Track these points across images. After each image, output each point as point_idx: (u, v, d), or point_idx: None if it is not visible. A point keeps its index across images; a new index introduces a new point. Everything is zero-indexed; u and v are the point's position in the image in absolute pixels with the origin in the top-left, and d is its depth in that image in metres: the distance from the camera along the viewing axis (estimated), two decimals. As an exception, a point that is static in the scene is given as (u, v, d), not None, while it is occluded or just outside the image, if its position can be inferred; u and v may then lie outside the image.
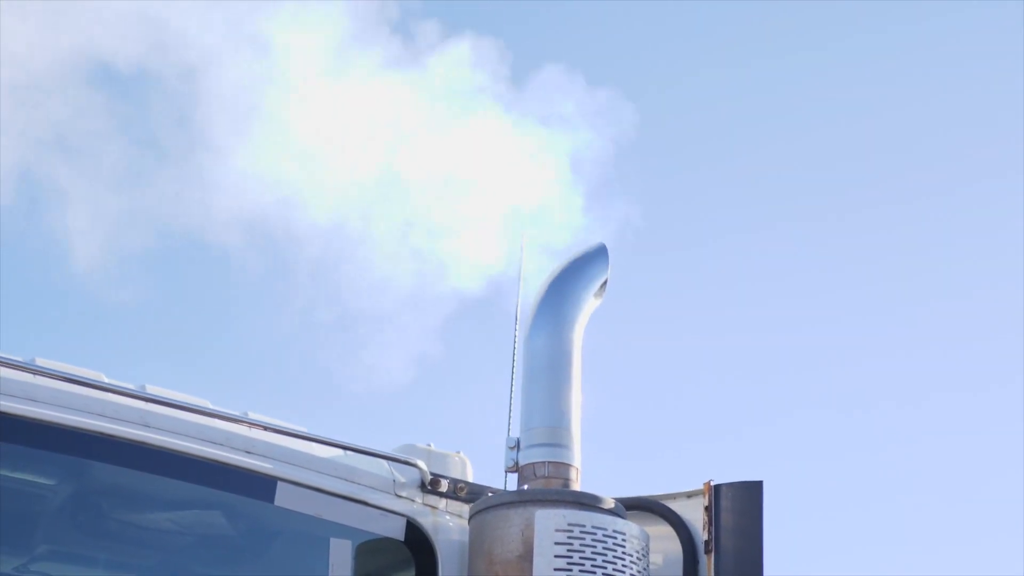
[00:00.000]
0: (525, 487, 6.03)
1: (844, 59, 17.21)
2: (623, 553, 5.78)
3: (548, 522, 5.74)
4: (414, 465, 6.03)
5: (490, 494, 6.06)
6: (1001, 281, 17.72)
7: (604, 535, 5.76)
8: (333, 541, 5.80)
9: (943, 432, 18.18)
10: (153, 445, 5.54)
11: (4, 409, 5.29)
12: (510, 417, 6.40)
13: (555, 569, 5.68)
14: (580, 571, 5.69)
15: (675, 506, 6.19)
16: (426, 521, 5.99)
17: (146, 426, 5.54)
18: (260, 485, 5.73)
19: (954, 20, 17.00)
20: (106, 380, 5.54)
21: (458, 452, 6.25)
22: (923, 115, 17.39)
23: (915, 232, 17.70)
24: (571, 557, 5.70)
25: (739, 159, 16.95)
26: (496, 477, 6.25)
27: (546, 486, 5.99)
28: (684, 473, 6.43)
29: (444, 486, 6.06)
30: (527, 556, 5.73)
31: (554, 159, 7.26)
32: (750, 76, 16.75)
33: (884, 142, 17.32)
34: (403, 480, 6.00)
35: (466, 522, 6.02)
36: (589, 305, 6.34)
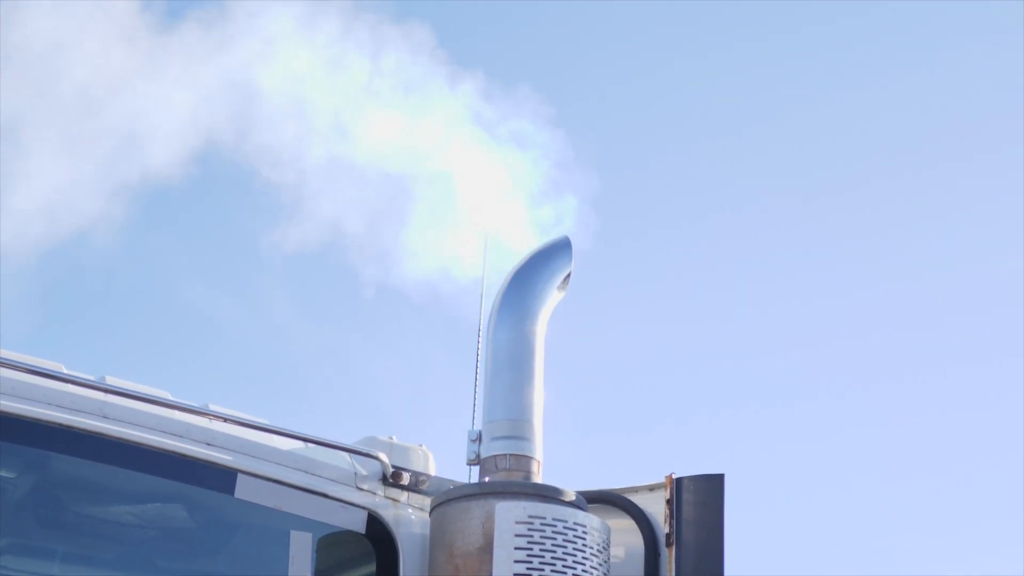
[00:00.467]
0: (486, 480, 6.02)
1: (812, 42, 17.27)
2: (584, 546, 5.77)
3: (508, 514, 5.73)
4: (376, 458, 6.02)
5: (451, 487, 6.05)
6: (967, 265, 17.79)
7: (565, 527, 5.76)
8: (294, 534, 5.79)
9: (910, 422, 18.23)
10: (112, 436, 5.52)
11: (-40, 400, 5.27)
12: (474, 410, 6.39)
13: (515, 561, 5.67)
14: (540, 563, 5.68)
15: (637, 499, 6.19)
16: (387, 514, 5.97)
17: (105, 417, 5.52)
18: (220, 477, 5.71)
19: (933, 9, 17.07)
20: (65, 371, 5.52)
21: (420, 445, 6.24)
22: (899, 98, 17.44)
23: (878, 216, 17.74)
24: (531, 549, 5.70)
25: (698, 147, 16.99)
26: (459, 470, 6.26)
27: (507, 479, 5.98)
28: (646, 466, 6.44)
29: (406, 479, 6.05)
30: (487, 548, 5.72)
31: (510, 152, 7.25)
32: (721, 68, 16.79)
33: (845, 124, 17.37)
34: (364, 473, 5.99)
35: (427, 515, 6.01)
36: (552, 298, 6.33)
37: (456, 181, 7.15)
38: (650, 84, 16.53)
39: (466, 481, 6.16)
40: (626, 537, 6.14)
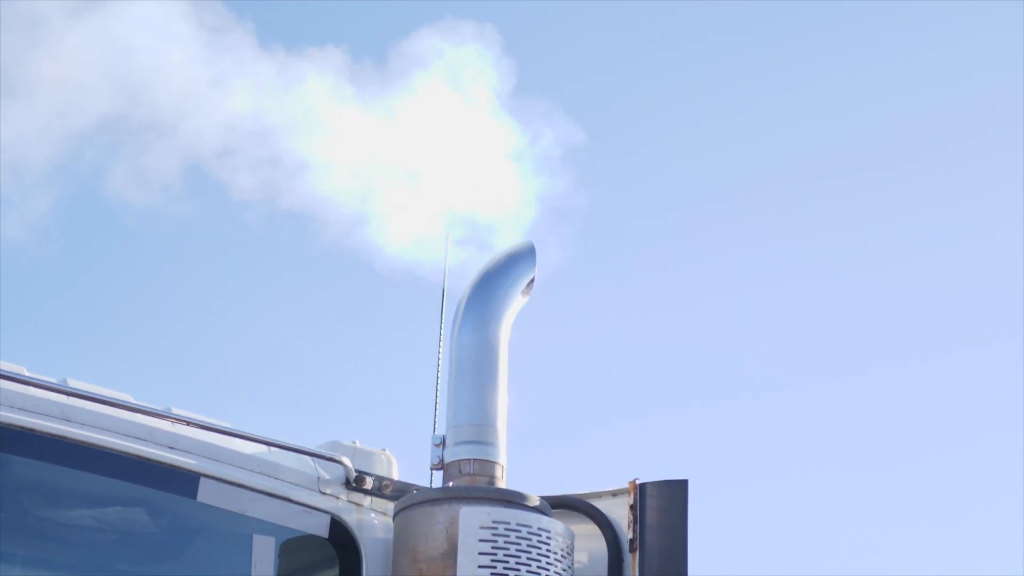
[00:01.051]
0: (450, 484, 6.01)
1: (786, 33, 17.31)
2: (548, 551, 5.77)
3: (472, 519, 5.73)
4: (339, 462, 6.01)
5: (415, 491, 6.04)
6: (938, 259, 17.84)
7: (529, 532, 5.76)
8: (256, 538, 5.77)
9: (879, 424, 18.26)
10: (74, 440, 5.49)
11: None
12: (435, 414, 6.39)
13: (479, 567, 5.67)
14: (504, 568, 5.68)
15: (600, 504, 6.20)
16: (350, 518, 5.96)
17: (67, 420, 5.49)
18: (183, 481, 5.68)
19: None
20: (27, 373, 5.49)
21: (384, 449, 6.23)
22: (883, 89, 17.48)
23: (850, 214, 17.78)
24: (495, 554, 5.70)
25: (665, 145, 17.01)
26: (422, 475, 6.25)
27: (471, 483, 5.98)
28: (610, 471, 6.44)
29: (369, 483, 6.03)
30: (451, 553, 5.72)
31: (492, 152, 7.23)
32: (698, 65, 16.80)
33: (823, 119, 17.40)
34: (328, 477, 5.97)
35: (391, 519, 6.00)
36: (516, 303, 6.34)
37: (427, 179, 7.13)
38: (622, 82, 16.55)
39: (429, 486, 6.16)
40: (589, 542, 6.15)
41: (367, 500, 6.03)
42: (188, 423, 5.75)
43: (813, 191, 17.58)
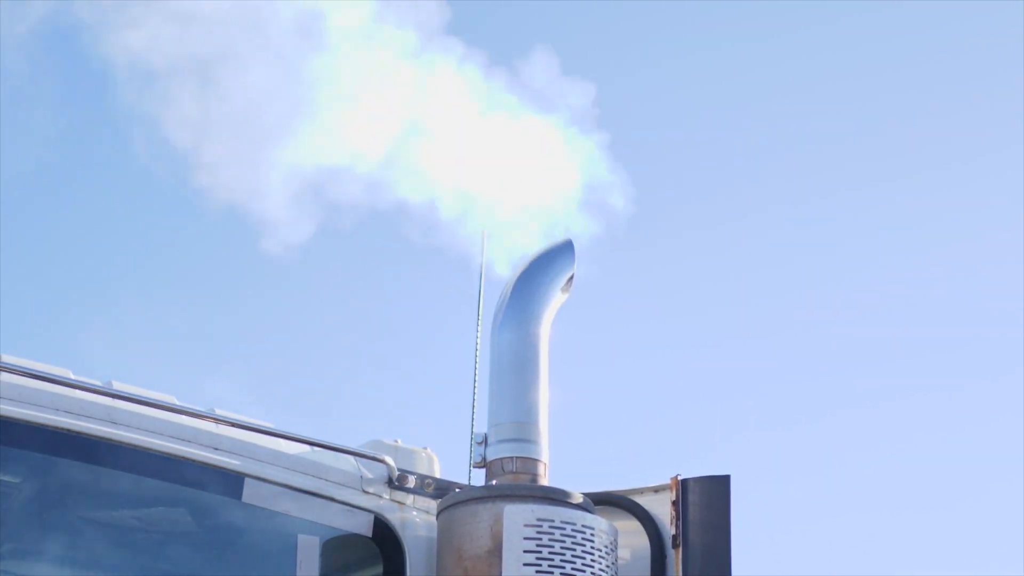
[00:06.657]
0: (493, 482, 6.02)
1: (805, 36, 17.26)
2: (592, 548, 5.78)
3: (517, 517, 5.74)
4: (381, 461, 6.02)
5: (458, 490, 6.05)
6: (975, 261, 17.77)
7: (573, 530, 5.76)
8: (301, 537, 5.79)
9: (919, 419, 18.18)
10: (119, 442, 5.51)
11: (-32, 406, 5.25)
12: (473, 412, 6.40)
13: (524, 564, 5.68)
14: (549, 566, 5.69)
15: (643, 501, 6.20)
16: (394, 517, 5.97)
17: (112, 423, 5.51)
18: (227, 481, 5.70)
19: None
20: (72, 376, 5.51)
21: (425, 448, 6.24)
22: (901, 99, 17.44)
23: (881, 213, 17.73)
24: (540, 552, 5.70)
25: (701, 145, 16.97)
26: (463, 473, 6.26)
27: (514, 481, 5.98)
28: (652, 468, 6.44)
29: (411, 482, 6.05)
30: (496, 551, 5.72)
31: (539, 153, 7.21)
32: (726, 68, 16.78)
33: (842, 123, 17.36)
34: (370, 476, 5.99)
35: (434, 518, 6.01)
36: (556, 300, 6.34)
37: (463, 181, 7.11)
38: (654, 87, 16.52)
39: (470, 484, 6.16)
40: (632, 539, 6.15)
41: (410, 499, 6.04)
42: (232, 424, 5.77)
43: (858, 192, 17.52)
